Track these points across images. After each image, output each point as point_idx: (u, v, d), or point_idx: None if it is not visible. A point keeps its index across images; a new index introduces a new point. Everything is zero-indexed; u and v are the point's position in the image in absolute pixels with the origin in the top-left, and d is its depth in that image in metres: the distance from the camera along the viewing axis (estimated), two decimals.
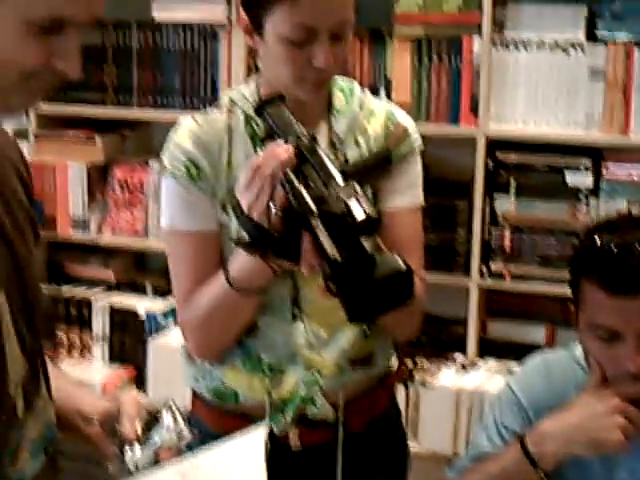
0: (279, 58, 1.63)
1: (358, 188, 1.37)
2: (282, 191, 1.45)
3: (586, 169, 2.72)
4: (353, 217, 1.32)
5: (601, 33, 2.68)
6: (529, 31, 2.70)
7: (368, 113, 1.77)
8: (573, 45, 2.68)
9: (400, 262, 1.32)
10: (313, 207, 1.37)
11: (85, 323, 3.21)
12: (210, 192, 1.70)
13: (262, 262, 1.55)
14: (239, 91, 1.77)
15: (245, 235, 1.52)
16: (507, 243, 2.79)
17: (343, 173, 1.45)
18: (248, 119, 1.72)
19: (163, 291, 3.18)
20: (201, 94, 3.00)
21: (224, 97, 1.79)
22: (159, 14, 2.99)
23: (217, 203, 1.71)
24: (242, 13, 1.69)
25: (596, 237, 1.59)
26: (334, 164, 1.44)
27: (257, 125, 1.70)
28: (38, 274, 1.37)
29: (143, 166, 3.13)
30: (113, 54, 3.07)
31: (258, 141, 1.69)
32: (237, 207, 1.52)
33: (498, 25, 2.72)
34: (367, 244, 1.32)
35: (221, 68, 2.96)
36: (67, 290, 3.24)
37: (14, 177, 1.36)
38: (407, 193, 1.77)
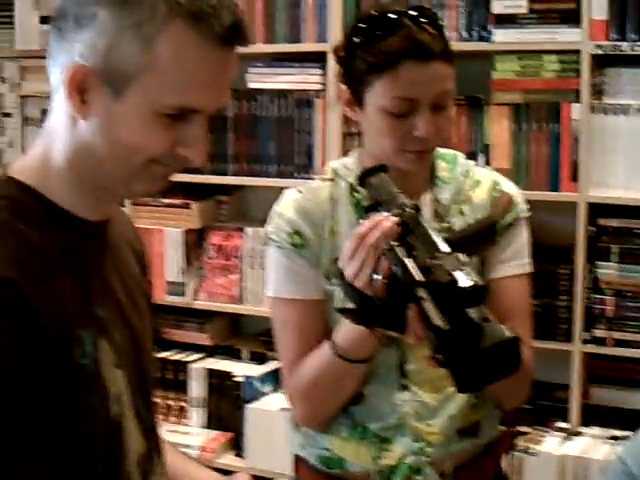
0: (380, 129, 1.70)
1: (464, 257, 1.39)
2: (386, 261, 1.50)
3: None
4: (459, 287, 1.34)
5: None
6: (628, 96, 2.70)
7: (473, 182, 1.82)
8: None
9: (507, 331, 1.33)
10: (419, 277, 1.40)
11: (181, 387, 3.27)
12: (314, 261, 1.77)
13: (368, 331, 1.60)
14: (342, 162, 1.84)
15: (350, 304, 1.57)
16: (609, 309, 2.78)
17: (448, 242, 1.47)
18: (351, 189, 1.78)
19: (259, 356, 3.24)
20: (296, 161, 3.07)
21: (328, 169, 1.85)
22: (254, 83, 3.08)
23: (321, 272, 1.77)
24: (342, 87, 1.76)
25: None
26: (438, 234, 1.47)
27: (360, 195, 1.75)
28: (152, 349, 1.44)
29: (238, 232, 3.20)
30: (209, 122, 3.13)
31: (361, 211, 1.73)
32: (341, 276, 1.57)
33: (597, 91, 2.73)
34: (474, 313, 1.34)
35: (316, 135, 3.03)
36: (163, 354, 3.30)
37: (132, 257, 1.44)
38: (514, 261, 1.81)
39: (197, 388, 3.26)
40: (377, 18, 1.71)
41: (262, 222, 3.15)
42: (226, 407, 3.22)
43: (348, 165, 1.82)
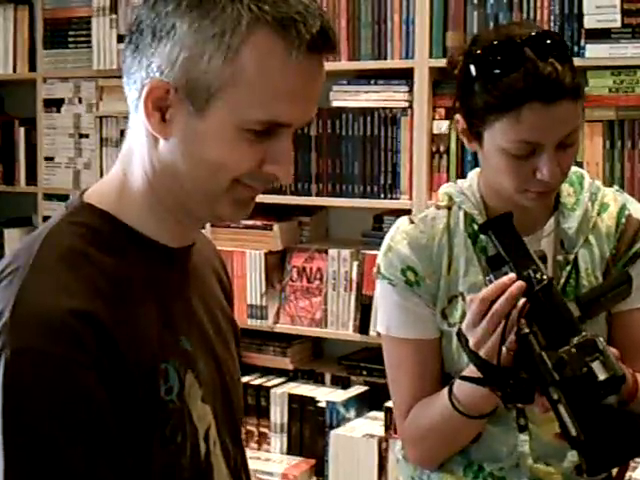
0: (499, 168, 1.63)
1: (600, 341, 1.40)
2: (513, 332, 1.48)
3: None
4: (596, 379, 1.36)
5: None
6: None
7: (599, 206, 1.75)
8: None
9: None
10: (554, 375, 1.40)
11: (263, 412, 3.32)
12: (429, 299, 1.74)
13: (489, 393, 1.56)
14: (458, 187, 1.77)
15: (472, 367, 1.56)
16: None
17: (579, 302, 1.49)
18: (469, 218, 1.73)
19: (342, 380, 3.28)
20: (381, 181, 3.11)
21: (442, 193, 1.79)
22: (337, 101, 3.14)
23: (437, 310, 1.74)
24: (457, 117, 1.68)
25: None
26: (570, 306, 1.47)
27: (477, 225, 1.70)
28: (239, 381, 1.42)
29: (321, 253, 3.25)
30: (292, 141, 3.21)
31: (481, 250, 1.71)
32: (464, 340, 1.55)
33: None
34: (611, 400, 1.37)
35: (402, 154, 3.07)
36: (244, 379, 3.29)
37: (216, 284, 1.43)
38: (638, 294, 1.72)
39: (278, 413, 3.30)
40: (497, 47, 1.60)
41: (345, 243, 3.35)
42: (308, 433, 3.26)
43: (465, 190, 1.76)
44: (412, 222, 1.78)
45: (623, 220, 1.75)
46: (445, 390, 1.69)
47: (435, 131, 3.02)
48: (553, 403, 1.42)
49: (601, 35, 2.77)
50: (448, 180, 2.95)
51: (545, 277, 1.50)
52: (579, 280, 1.72)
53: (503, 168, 1.63)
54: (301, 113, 1.20)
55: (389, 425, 2.99)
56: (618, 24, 2.76)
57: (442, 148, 3.01)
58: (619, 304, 1.71)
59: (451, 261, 1.74)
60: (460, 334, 1.57)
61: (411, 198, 3.06)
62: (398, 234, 1.77)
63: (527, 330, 1.46)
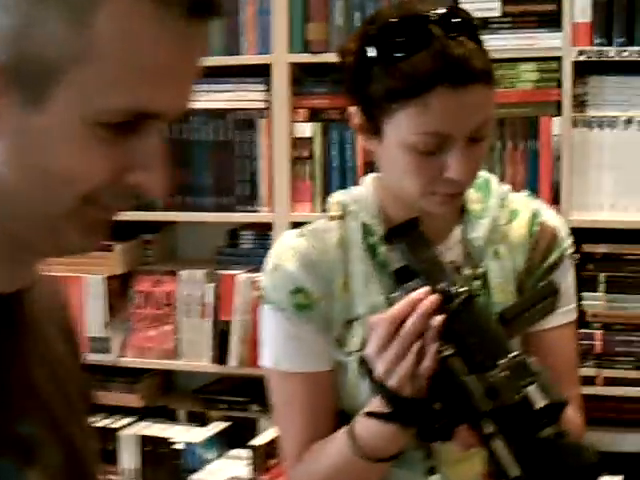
0: (403, 167, 1.47)
1: (534, 362, 1.28)
2: (429, 356, 1.34)
3: None
4: (534, 409, 1.24)
5: None
6: (615, 107, 2.63)
7: (509, 214, 1.62)
8: None
9: (589, 450, 1.25)
10: (485, 405, 1.27)
11: (110, 458, 3.05)
12: (323, 324, 1.57)
13: (399, 430, 1.42)
14: (352, 195, 1.62)
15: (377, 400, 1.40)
16: (598, 344, 2.68)
17: (503, 319, 1.35)
18: (365, 230, 1.57)
19: (198, 417, 3.07)
20: (236, 192, 2.91)
21: (332, 202, 1.63)
22: None
23: (331, 337, 1.57)
24: (352, 109, 1.52)
25: None
26: (496, 319, 1.35)
27: (376, 238, 1.56)
28: (97, 465, 1.14)
29: (170, 275, 3.02)
30: None
31: (381, 269, 1.55)
32: (367, 368, 1.40)
33: (579, 102, 2.64)
34: (548, 432, 1.24)
35: (260, 161, 2.87)
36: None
37: (59, 336, 1.10)
38: (560, 309, 1.59)
39: (129, 458, 3.05)
40: (398, 25, 1.44)
41: (197, 263, 3.10)
42: (164, 478, 3.01)
43: (360, 197, 1.60)
44: (300, 235, 1.60)
45: (536, 228, 1.63)
46: (344, 430, 1.52)
47: (297, 134, 2.83)
48: (485, 438, 1.27)
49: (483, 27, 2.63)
50: (313, 189, 2.80)
51: (464, 290, 1.36)
52: (491, 296, 1.58)
53: (407, 167, 1.47)
54: (176, 98, 0.91)
55: (256, 464, 2.79)
56: (498, 13, 2.65)
57: (305, 153, 2.83)
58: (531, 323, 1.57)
59: (347, 279, 1.57)
60: (363, 362, 1.41)
61: (271, 210, 2.87)
62: (285, 250, 1.59)
63: (448, 352, 1.32)
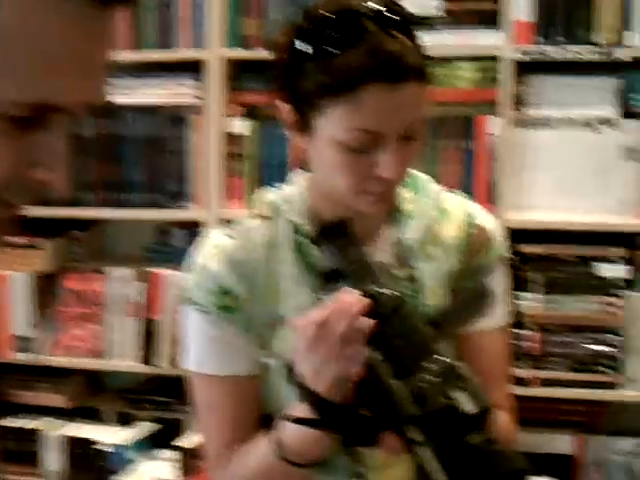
0: (334, 165, 1.42)
1: (462, 367, 1.25)
2: (356, 360, 1.30)
3: (620, 259, 2.63)
4: (462, 414, 1.21)
5: (634, 107, 2.62)
6: (552, 107, 2.62)
7: (442, 215, 1.59)
8: (603, 121, 2.61)
9: (519, 458, 1.22)
10: (412, 410, 1.23)
11: (34, 459, 2.98)
12: (247, 326, 1.52)
13: (324, 435, 1.37)
14: (282, 194, 1.57)
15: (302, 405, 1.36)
16: (534, 345, 2.67)
17: (434, 323, 1.31)
18: (295, 229, 1.53)
19: (126, 417, 3.00)
20: (167, 189, 2.83)
21: (260, 200, 1.58)
22: (116, 97, 2.79)
23: (256, 339, 1.52)
24: (282, 104, 1.47)
25: None
26: (424, 321, 1.30)
27: (304, 238, 1.51)
28: None
29: (99, 274, 2.94)
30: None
31: (310, 270, 1.51)
32: (292, 372, 1.35)
33: (517, 102, 2.63)
34: (476, 439, 1.21)
35: (192, 158, 2.80)
36: (12, 421, 3.01)
37: None
38: (492, 312, 1.55)
39: (54, 460, 2.97)
40: (332, 19, 1.40)
41: (126, 261, 3.02)
42: None
43: (289, 196, 1.56)
44: (226, 234, 1.55)
45: (470, 230, 1.60)
46: (268, 435, 1.48)
47: (231, 131, 2.76)
48: (412, 445, 1.24)
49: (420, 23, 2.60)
50: (246, 187, 2.75)
51: (395, 293, 1.32)
52: (422, 298, 1.55)
53: (338, 165, 1.42)
54: (82, 91, 0.85)
55: (184, 466, 2.73)
56: (437, 10, 2.61)
57: (238, 150, 2.76)
58: (469, 326, 1.53)
59: (274, 280, 1.52)
60: (289, 366, 1.36)
61: (203, 208, 2.80)
62: (210, 249, 1.54)
63: (376, 357, 1.28)
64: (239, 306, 1.51)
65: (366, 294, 1.32)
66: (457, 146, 2.65)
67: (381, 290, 1.32)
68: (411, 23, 1.44)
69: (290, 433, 1.43)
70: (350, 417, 1.31)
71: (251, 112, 2.75)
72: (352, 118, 1.38)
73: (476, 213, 1.63)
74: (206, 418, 1.58)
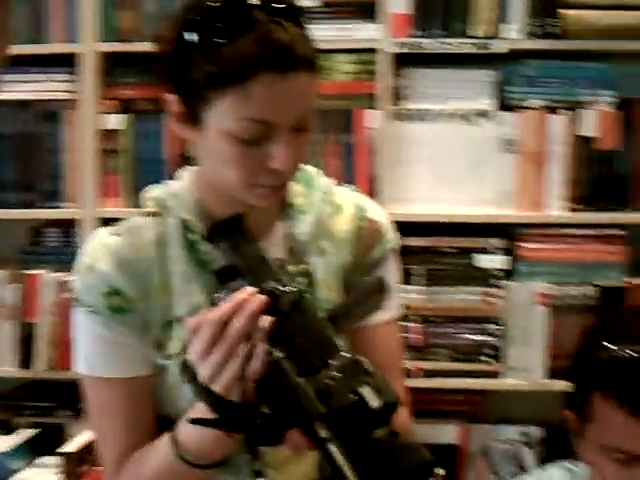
0: (224, 158, 1.40)
1: (367, 362, 1.24)
2: (257, 358, 1.27)
3: (499, 250, 2.66)
4: (368, 409, 1.19)
5: (511, 99, 2.65)
6: (430, 100, 2.63)
7: (333, 208, 1.57)
8: (481, 113, 2.63)
9: (423, 451, 1.21)
10: (318, 407, 1.20)
11: None
12: (141, 327, 1.48)
13: (225, 436, 1.34)
14: (169, 190, 1.53)
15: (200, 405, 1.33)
16: (417, 337, 2.68)
17: (332, 318, 1.29)
18: (185, 226, 1.49)
19: (3, 424, 2.89)
20: (40, 187, 2.75)
21: (148, 197, 1.54)
22: None
23: (149, 340, 1.48)
24: (169, 97, 1.42)
25: (610, 346, 1.48)
26: (325, 318, 1.28)
27: (197, 235, 1.48)
28: None
29: None
30: None
31: (202, 268, 1.47)
32: (190, 372, 1.31)
33: (396, 95, 2.63)
34: (381, 433, 1.20)
35: (66, 154, 2.73)
36: None
37: None
38: (387, 304, 1.53)
39: None
40: (220, 9, 1.37)
41: (1, 262, 2.91)
42: None
43: (177, 192, 1.52)
44: (114, 233, 1.50)
45: (361, 223, 1.59)
46: (166, 437, 1.44)
47: (105, 126, 2.70)
48: (319, 442, 1.21)
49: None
50: (122, 184, 2.70)
51: (293, 289, 1.30)
52: (316, 293, 1.53)
53: (229, 157, 1.39)
54: None
55: (67, 472, 2.62)
56: (313, 2, 2.59)
57: (113, 146, 2.70)
58: (364, 320, 1.52)
59: (166, 279, 1.48)
60: (186, 366, 1.32)
61: (78, 206, 2.73)
62: (98, 249, 1.48)
63: (277, 355, 1.25)
64: (130, 306, 1.47)
65: (264, 291, 1.29)
66: (337, 140, 2.64)
67: (279, 286, 1.30)
68: (299, 13, 1.42)
69: (189, 434, 1.40)
70: (251, 416, 1.27)
71: (126, 107, 2.69)
72: (243, 108, 1.35)
73: (367, 206, 1.62)
74: (100, 423, 1.54)
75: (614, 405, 1.46)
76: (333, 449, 1.19)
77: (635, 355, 1.46)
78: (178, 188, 1.53)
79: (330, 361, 1.24)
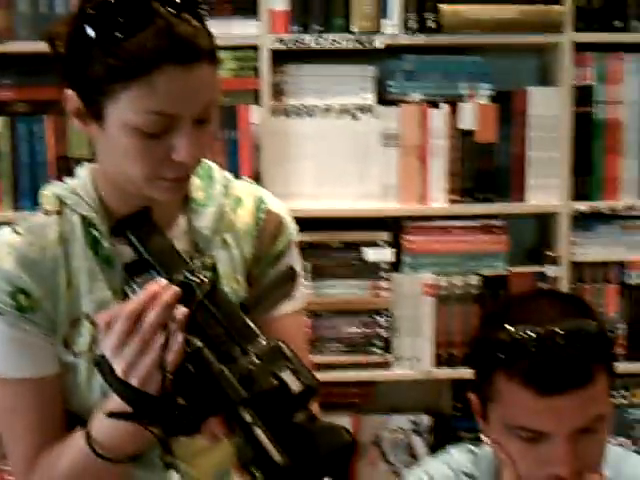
0: (127, 152, 1.39)
1: (286, 347, 1.25)
2: (174, 346, 1.27)
3: (385, 243, 2.68)
4: (290, 393, 1.20)
5: (392, 93, 2.67)
6: (312, 96, 2.64)
7: (234, 202, 1.58)
8: (362, 108, 2.64)
9: (343, 433, 1.21)
10: (241, 392, 1.21)
11: None
12: (48, 326, 1.47)
13: (138, 427, 1.33)
14: (68, 187, 1.52)
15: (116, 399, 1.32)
16: (307, 331, 2.68)
17: (244, 307, 1.31)
18: (86, 224, 1.48)
19: None
20: None
21: (46, 195, 1.52)
22: None
23: (58, 338, 1.47)
24: (68, 92, 1.41)
25: (511, 328, 1.51)
26: (237, 304, 1.30)
27: (99, 232, 1.48)
28: None
29: None
30: None
31: (106, 264, 1.47)
32: (105, 366, 1.31)
33: (278, 91, 2.62)
34: (301, 417, 1.21)
35: None
36: None
37: None
38: (293, 295, 1.56)
39: None
40: (119, 3, 1.35)
41: None
42: None
43: (77, 189, 1.51)
44: (15, 232, 1.49)
45: (262, 216, 1.60)
46: (80, 432, 1.43)
47: None
48: (245, 427, 1.22)
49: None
50: (1, 187, 2.63)
51: (206, 279, 1.31)
52: (221, 286, 1.52)
53: (132, 151, 1.38)
54: None
55: None
56: None
57: None
58: (263, 309, 1.51)
59: (70, 276, 1.48)
60: (101, 362, 1.32)
61: None
62: (1, 249, 1.47)
63: (195, 344, 1.26)
64: (36, 305, 1.45)
65: (176, 282, 1.30)
66: (221, 136, 2.62)
67: (192, 277, 1.30)
68: (198, 5, 1.41)
69: (103, 428, 1.40)
70: (168, 408, 1.27)
71: (2, 109, 2.63)
72: (146, 101, 1.34)
73: (266, 199, 1.63)
74: (10, 424, 1.51)
75: (518, 384, 1.48)
76: (258, 432, 1.20)
77: (534, 335, 1.49)
78: (77, 185, 1.52)
79: (249, 347, 1.25)
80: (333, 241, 2.68)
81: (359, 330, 2.72)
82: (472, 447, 1.72)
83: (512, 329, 1.51)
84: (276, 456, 1.18)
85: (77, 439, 1.44)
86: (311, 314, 2.68)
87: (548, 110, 2.68)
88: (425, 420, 2.83)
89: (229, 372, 1.23)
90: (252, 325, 1.28)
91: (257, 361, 1.23)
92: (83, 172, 1.54)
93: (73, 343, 1.48)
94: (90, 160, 1.54)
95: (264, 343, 1.26)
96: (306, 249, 2.67)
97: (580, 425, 1.49)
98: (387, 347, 2.71)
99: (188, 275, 1.31)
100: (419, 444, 2.82)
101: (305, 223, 2.64)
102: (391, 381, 2.80)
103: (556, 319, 1.51)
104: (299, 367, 1.24)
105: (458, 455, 1.71)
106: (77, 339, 1.48)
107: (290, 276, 1.48)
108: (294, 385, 1.21)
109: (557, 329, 1.48)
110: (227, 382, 1.23)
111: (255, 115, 2.60)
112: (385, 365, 2.72)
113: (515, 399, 1.50)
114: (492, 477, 1.64)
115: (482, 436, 1.66)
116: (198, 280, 1.30)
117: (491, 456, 1.63)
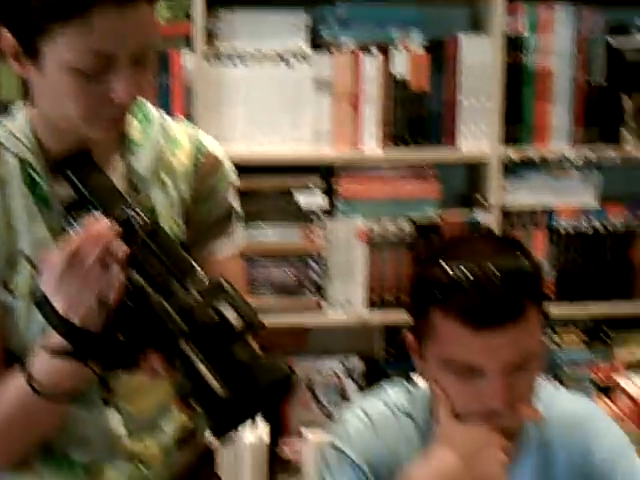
0: (65, 92, 1.38)
1: (225, 284, 1.27)
2: (113, 285, 1.28)
3: (318, 188, 2.70)
4: (230, 326, 1.22)
5: (325, 40, 2.67)
6: (245, 42, 2.63)
7: (171, 143, 1.58)
8: (295, 55, 2.64)
9: (282, 366, 1.26)
10: (182, 326, 1.23)
11: None
12: None
13: (78, 365, 1.34)
14: (3, 127, 1.51)
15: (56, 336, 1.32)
16: None
17: (184, 246, 1.33)
18: (23, 165, 1.47)
19: None
20: None
21: None
22: None
23: None
24: (4, 32, 1.39)
25: (446, 265, 1.54)
26: (178, 243, 1.32)
27: (36, 172, 1.47)
28: None
29: None
30: None
31: (43, 204, 1.47)
32: (45, 305, 1.31)
33: (211, 36, 2.61)
34: (240, 350, 1.23)
35: None
36: None
37: None
38: (226, 239, 1.63)
39: None
40: None
41: None
42: None
43: (14, 131, 1.49)
44: None
45: (200, 157, 1.60)
46: (18, 371, 1.43)
47: None
48: (185, 360, 1.24)
49: None
50: None
51: (146, 217, 1.33)
52: None
53: (69, 90, 1.37)
54: None
55: None
56: None
57: None
58: (201, 252, 1.57)
59: (7, 217, 1.47)
60: (42, 301, 1.32)
61: None
62: None
63: (138, 279, 1.28)
64: None
65: (117, 219, 1.31)
66: (153, 82, 2.60)
67: (132, 214, 1.31)
68: None
69: (43, 367, 1.39)
70: (109, 344, 1.29)
71: None
72: (84, 41, 1.33)
73: (203, 140, 1.63)
74: None
75: (453, 320, 1.51)
76: (199, 365, 1.22)
77: (469, 272, 1.51)
78: (14, 126, 1.51)
79: (190, 284, 1.27)
80: (266, 186, 2.69)
81: (292, 275, 2.74)
82: (408, 385, 1.75)
83: (448, 267, 1.54)
84: (217, 388, 1.20)
85: (16, 379, 1.43)
86: (244, 258, 2.69)
87: (480, 58, 2.70)
88: (357, 363, 2.87)
89: (169, 306, 1.25)
90: (193, 262, 1.30)
91: (198, 296, 1.25)
92: (19, 113, 1.53)
93: (11, 282, 1.47)
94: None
95: (204, 278, 1.28)
96: (240, 194, 2.69)
97: (513, 359, 1.52)
98: (320, 292, 2.74)
99: (129, 212, 1.32)
100: (351, 387, 2.86)
101: (238, 168, 2.66)
102: (324, 325, 2.82)
103: (491, 257, 1.54)
104: (240, 303, 1.25)
105: (394, 393, 1.73)
106: (16, 279, 1.48)
107: (229, 214, 1.52)
108: (233, 319, 1.22)
109: (492, 266, 1.51)
110: (167, 316, 1.24)
111: (188, 61, 2.59)
112: (318, 309, 2.74)
113: (451, 335, 1.53)
114: (428, 415, 1.67)
115: (415, 376, 1.70)
116: (139, 218, 1.31)
117: (427, 395, 1.66)
